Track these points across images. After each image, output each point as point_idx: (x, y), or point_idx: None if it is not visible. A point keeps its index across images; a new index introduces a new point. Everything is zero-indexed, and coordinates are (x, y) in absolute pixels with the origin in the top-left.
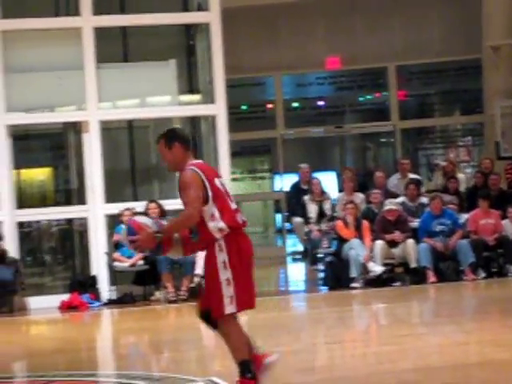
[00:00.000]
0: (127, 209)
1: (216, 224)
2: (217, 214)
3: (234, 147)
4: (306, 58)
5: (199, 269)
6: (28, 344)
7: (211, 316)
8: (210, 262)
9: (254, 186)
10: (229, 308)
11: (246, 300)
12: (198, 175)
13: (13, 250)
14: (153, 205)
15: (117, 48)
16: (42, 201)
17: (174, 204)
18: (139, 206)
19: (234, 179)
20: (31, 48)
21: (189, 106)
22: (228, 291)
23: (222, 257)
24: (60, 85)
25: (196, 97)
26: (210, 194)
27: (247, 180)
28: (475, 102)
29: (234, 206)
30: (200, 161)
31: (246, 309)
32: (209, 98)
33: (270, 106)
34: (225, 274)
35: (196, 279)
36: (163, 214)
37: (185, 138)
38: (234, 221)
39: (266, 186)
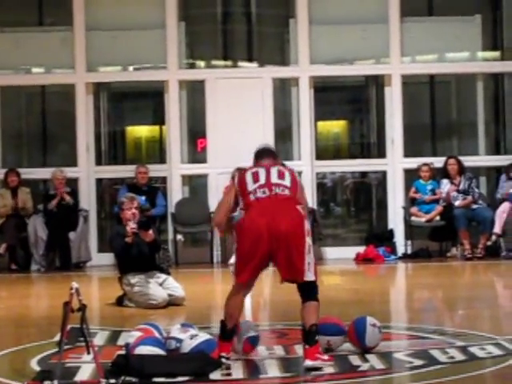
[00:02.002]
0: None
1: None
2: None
3: None
4: None
5: (498, 228)
6: (325, 293)
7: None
8: None
9: None
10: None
11: (243, 275)
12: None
13: (310, 199)
14: (452, 160)
15: (422, 2)
16: (337, 153)
17: (473, 161)
18: (438, 161)
19: None
20: (336, 1)
21: (492, 62)
22: (233, 257)
23: (235, 232)
24: (363, 38)
25: (499, 53)
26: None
27: None
28: None
29: (257, 184)
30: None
31: (241, 283)
32: None
33: None
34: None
35: (493, 237)
36: (462, 170)
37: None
38: (244, 202)
39: None
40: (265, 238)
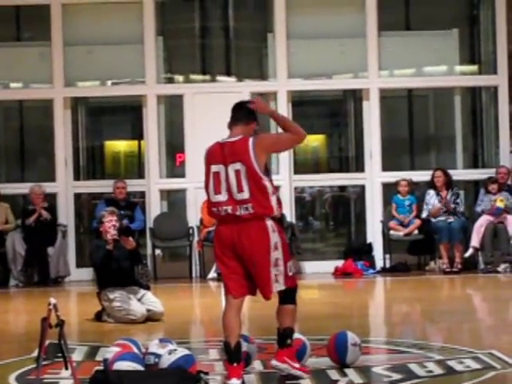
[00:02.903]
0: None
1: None
2: None
3: (510, 119)
4: None
5: (476, 241)
6: (303, 308)
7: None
8: None
9: None
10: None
11: (234, 289)
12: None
13: (288, 214)
14: (438, 173)
15: (399, 16)
16: (315, 167)
17: (451, 175)
18: (415, 175)
19: None
20: (313, 15)
21: (469, 76)
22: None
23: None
24: (341, 52)
25: (476, 67)
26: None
27: None
28: None
29: (219, 197)
30: (220, 140)
31: (239, 296)
32: (490, 69)
33: None
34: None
35: (471, 251)
36: (450, 183)
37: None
38: (209, 213)
39: None
40: (232, 252)
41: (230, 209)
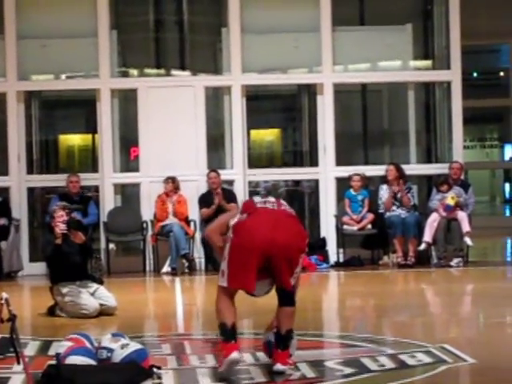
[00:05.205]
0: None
1: None
2: None
3: (463, 114)
4: None
5: (428, 236)
6: (256, 302)
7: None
8: None
9: (482, 154)
10: (220, 280)
11: (239, 280)
12: None
13: None
14: (391, 167)
15: (353, 11)
16: (270, 161)
17: (404, 169)
18: (369, 169)
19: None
20: (267, 10)
21: (423, 71)
22: (222, 265)
23: (229, 233)
24: (296, 47)
25: (430, 62)
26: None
27: (476, 148)
28: None
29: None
30: None
31: (239, 289)
32: (444, 64)
33: (502, 73)
34: (226, 249)
35: (424, 245)
36: (402, 177)
37: None
38: (247, 206)
39: (494, 155)
40: (260, 246)
41: (275, 204)
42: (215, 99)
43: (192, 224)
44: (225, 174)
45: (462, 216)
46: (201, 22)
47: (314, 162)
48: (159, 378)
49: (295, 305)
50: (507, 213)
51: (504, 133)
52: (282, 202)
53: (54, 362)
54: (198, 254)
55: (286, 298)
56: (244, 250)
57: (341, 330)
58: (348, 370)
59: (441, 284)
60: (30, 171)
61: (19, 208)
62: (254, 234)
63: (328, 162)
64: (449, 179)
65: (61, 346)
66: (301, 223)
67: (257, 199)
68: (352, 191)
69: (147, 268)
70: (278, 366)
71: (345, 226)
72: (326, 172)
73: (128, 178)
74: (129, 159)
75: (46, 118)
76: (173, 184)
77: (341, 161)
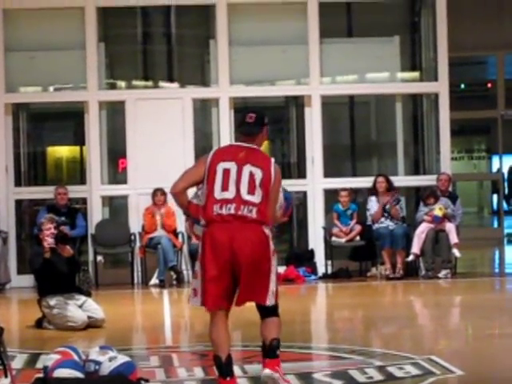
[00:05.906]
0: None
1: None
2: (203, 201)
3: (451, 126)
4: None
5: (416, 248)
6: (244, 314)
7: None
8: None
9: (470, 165)
10: (192, 300)
11: (212, 299)
12: (205, 158)
13: None
14: (380, 178)
15: (341, 23)
16: None
17: (396, 181)
18: (357, 181)
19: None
20: (255, 22)
21: (411, 83)
22: (194, 282)
23: (199, 246)
24: (283, 59)
25: (417, 74)
26: (205, 177)
27: (463, 159)
28: None
29: (226, 194)
30: (232, 143)
31: (215, 309)
32: (431, 76)
33: (489, 85)
34: (196, 265)
35: (412, 257)
36: (391, 188)
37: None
38: (206, 213)
39: (482, 167)
40: (227, 257)
41: (233, 207)
42: (203, 111)
43: (180, 236)
44: None
45: (449, 227)
46: (189, 35)
47: (301, 174)
48: None
49: (279, 315)
50: (495, 224)
51: (491, 144)
52: (245, 177)
53: (41, 375)
54: (186, 267)
55: (268, 310)
56: (219, 264)
57: (329, 342)
58: (336, 382)
59: (429, 296)
60: (17, 183)
61: (7, 220)
62: (216, 255)
63: (316, 173)
64: (435, 191)
65: (48, 359)
66: (263, 223)
67: (218, 178)
68: (340, 206)
69: (135, 280)
70: (266, 371)
71: (333, 238)
72: (314, 184)
73: (116, 190)
74: (117, 171)
75: (34, 130)
76: (163, 196)
77: (329, 172)
